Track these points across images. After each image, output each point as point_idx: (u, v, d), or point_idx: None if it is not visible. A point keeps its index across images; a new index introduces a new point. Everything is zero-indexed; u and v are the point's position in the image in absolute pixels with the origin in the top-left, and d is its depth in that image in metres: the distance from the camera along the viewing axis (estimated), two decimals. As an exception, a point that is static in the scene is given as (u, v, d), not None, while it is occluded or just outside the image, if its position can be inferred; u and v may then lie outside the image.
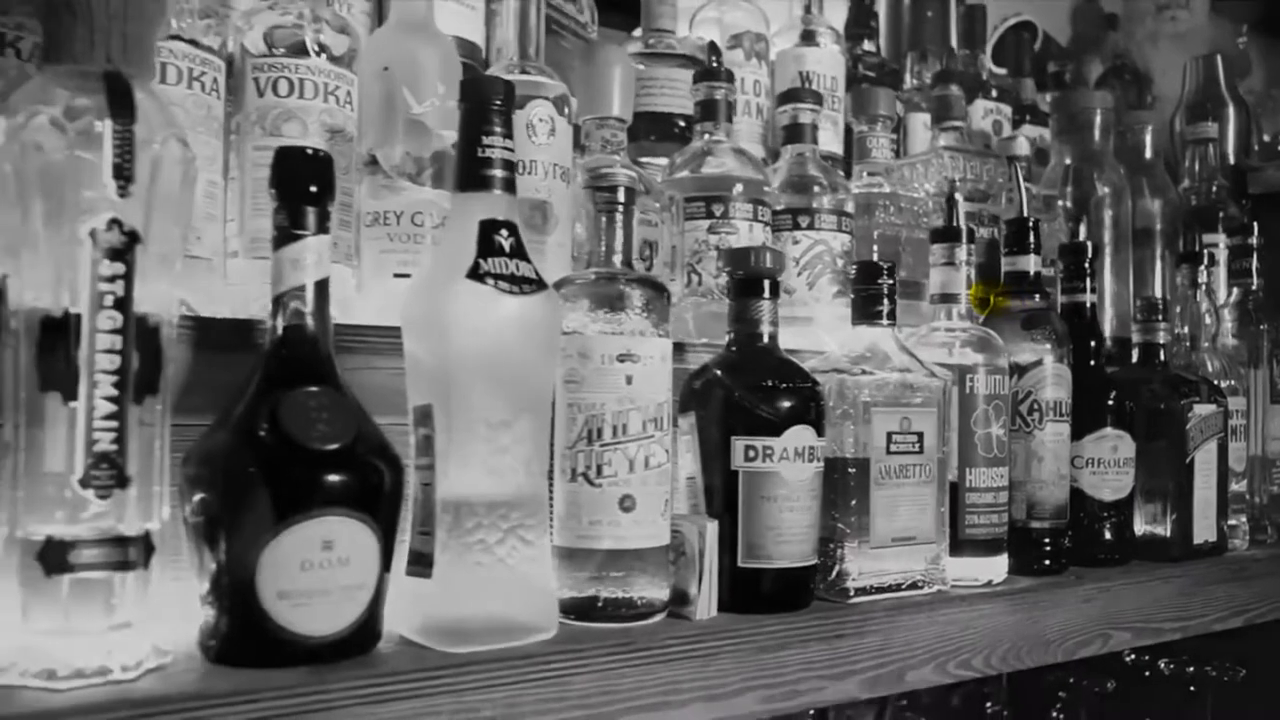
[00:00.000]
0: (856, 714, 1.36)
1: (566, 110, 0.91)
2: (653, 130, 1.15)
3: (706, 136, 1.03)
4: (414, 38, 0.83)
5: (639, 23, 1.18)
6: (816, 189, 1.05)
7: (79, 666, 0.54)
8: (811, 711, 1.22)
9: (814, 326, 1.03)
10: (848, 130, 1.30)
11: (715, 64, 1.05)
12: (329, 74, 0.78)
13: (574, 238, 0.92)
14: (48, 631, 0.54)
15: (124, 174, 0.56)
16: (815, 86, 1.27)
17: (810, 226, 1.04)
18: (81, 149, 0.55)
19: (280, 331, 0.63)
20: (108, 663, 0.55)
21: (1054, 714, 1.44)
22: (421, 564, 0.65)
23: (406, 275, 0.80)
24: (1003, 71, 1.66)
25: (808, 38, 1.32)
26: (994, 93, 1.50)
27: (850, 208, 1.07)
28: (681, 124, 1.15)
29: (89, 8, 0.56)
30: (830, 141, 1.26)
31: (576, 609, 0.71)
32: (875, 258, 1.10)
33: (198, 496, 0.60)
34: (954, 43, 1.59)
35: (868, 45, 1.44)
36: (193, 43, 0.76)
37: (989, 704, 1.52)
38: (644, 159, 1.10)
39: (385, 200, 0.81)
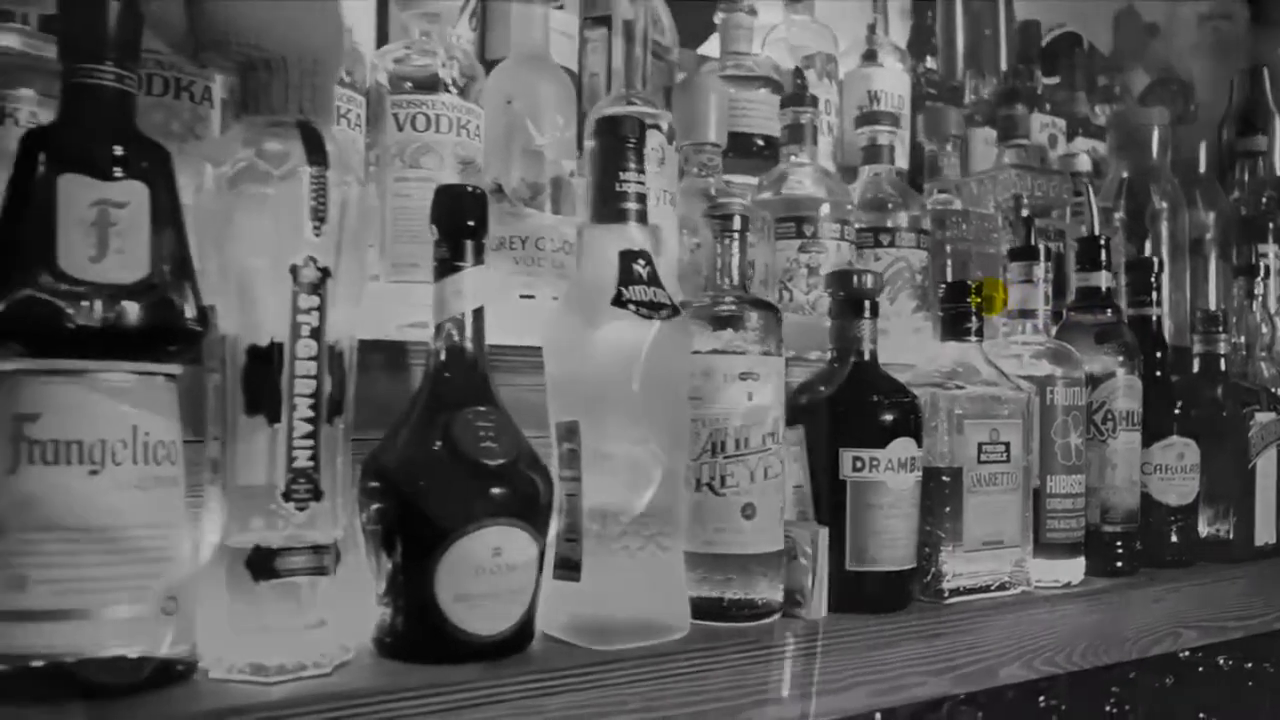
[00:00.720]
0: (919, 710, 1.42)
1: (672, 138, 0.97)
2: (732, 149, 1.21)
3: (792, 159, 1.08)
4: (535, 72, 0.89)
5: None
6: (895, 207, 1.10)
7: (282, 662, 0.60)
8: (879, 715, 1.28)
9: (892, 339, 1.08)
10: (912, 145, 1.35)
11: (801, 87, 1.10)
12: (461, 109, 0.84)
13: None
14: (254, 631, 0.60)
15: (319, 215, 0.61)
16: (884, 105, 1.32)
17: (891, 244, 1.09)
18: (285, 193, 0.61)
19: (443, 355, 0.69)
20: (306, 659, 0.61)
21: (1109, 709, 1.48)
22: (569, 568, 0.71)
23: (531, 296, 0.85)
24: (1051, 81, 1.70)
25: (873, 57, 1.37)
26: (1048, 107, 1.55)
27: (927, 225, 1.12)
28: (760, 142, 1.20)
29: (284, 64, 0.62)
30: (899, 158, 1.31)
31: (703, 609, 0.76)
32: (949, 273, 1.15)
33: (375, 507, 0.65)
34: (1007, 58, 1.63)
35: (930, 63, 1.49)
36: (339, 81, 0.81)
37: (1042, 698, 1.58)
38: (726, 177, 1.15)
39: (510, 226, 0.86)
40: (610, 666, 0.67)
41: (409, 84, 0.84)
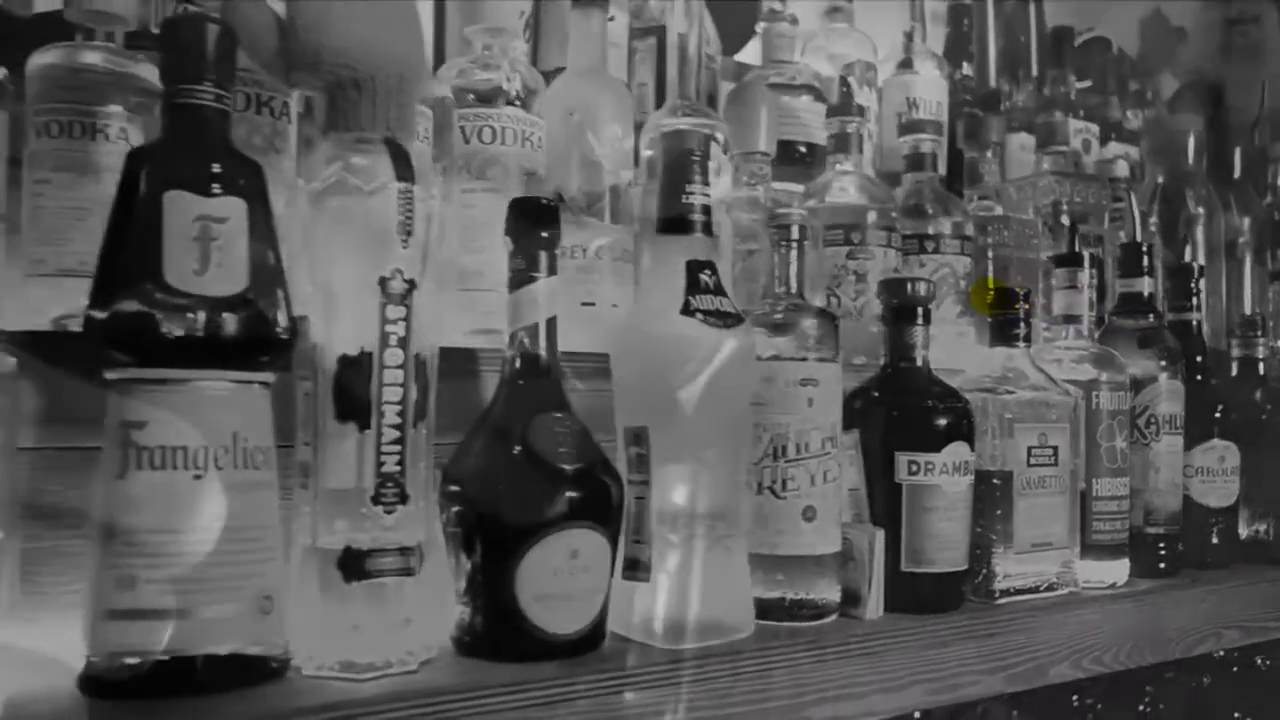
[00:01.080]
0: (955, 709, 1.43)
1: (726, 148, 0.99)
2: (776, 156, 1.22)
3: (838, 167, 1.10)
4: (594, 84, 0.91)
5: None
6: (939, 215, 1.12)
7: (371, 660, 0.62)
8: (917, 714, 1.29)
9: (936, 344, 1.10)
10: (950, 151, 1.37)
11: (848, 96, 1.12)
12: (524, 121, 0.86)
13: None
14: (344, 629, 0.62)
15: (406, 229, 0.64)
16: (922, 111, 1.34)
17: (935, 250, 1.11)
18: (374, 208, 0.63)
19: (517, 363, 0.71)
20: (393, 657, 0.63)
21: (1143, 708, 1.50)
22: (638, 569, 0.73)
23: (591, 304, 0.88)
24: (1082, 85, 1.72)
25: (910, 64, 1.39)
26: (1081, 112, 1.57)
27: (969, 231, 1.14)
28: (803, 149, 1.22)
29: (372, 83, 0.64)
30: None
31: (765, 609, 0.78)
32: (990, 278, 1.17)
33: (455, 510, 0.67)
34: (1039, 64, 1.65)
35: (966, 69, 1.51)
36: (408, 96, 0.84)
37: (1075, 697, 1.59)
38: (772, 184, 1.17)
39: (571, 235, 0.88)
40: (680, 665, 0.69)
41: (472, 96, 0.86)
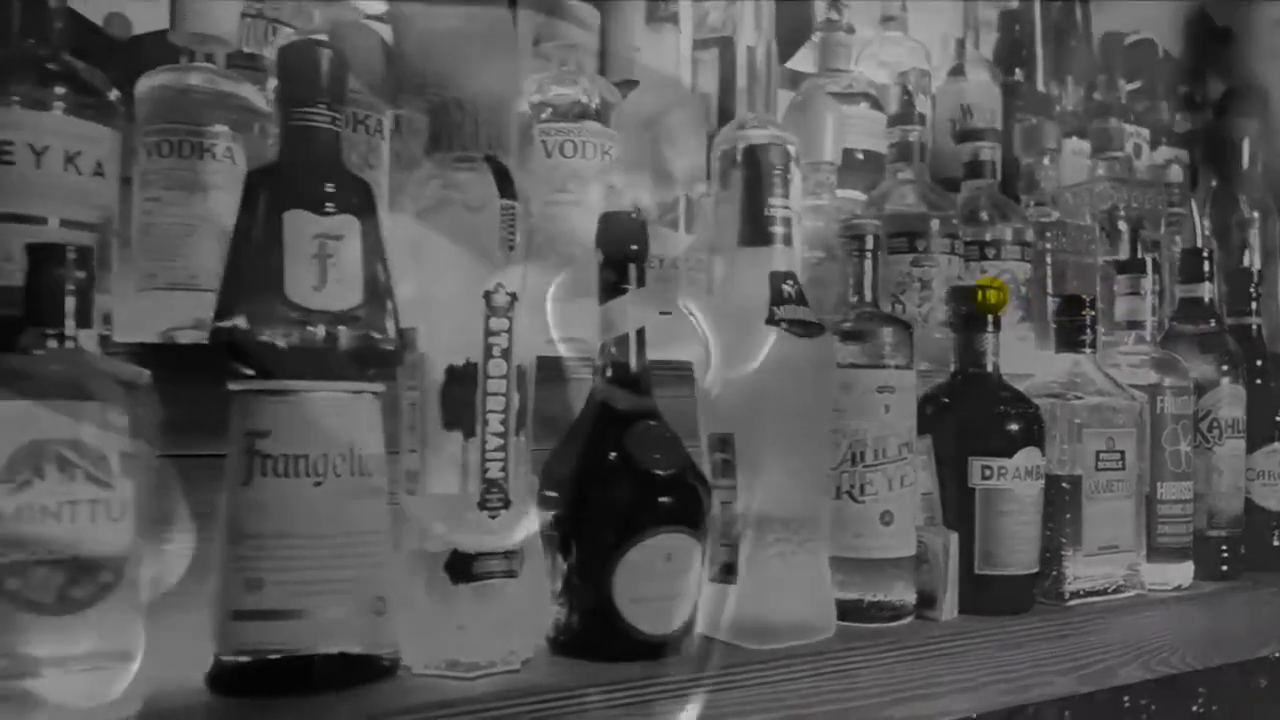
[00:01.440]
0: (1012, 709, 1.44)
1: (797, 159, 1.00)
2: (835, 164, 1.24)
3: (899, 175, 1.12)
4: (669, 97, 0.93)
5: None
6: (1000, 221, 1.13)
7: (477, 659, 0.65)
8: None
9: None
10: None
11: (909, 105, 1.13)
12: (603, 134, 0.88)
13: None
14: (451, 630, 0.65)
15: (509, 244, 0.66)
16: (976, 118, 1.35)
17: (996, 257, 1.12)
18: (479, 224, 0.65)
19: (609, 371, 0.73)
20: (496, 656, 0.66)
21: (1196, 709, 1.50)
22: (726, 572, 0.75)
23: (668, 313, 0.90)
24: (1130, 87, 1.72)
25: (962, 71, 1.40)
26: (1131, 116, 1.57)
27: (1029, 237, 1.15)
28: (860, 156, 1.24)
29: (475, 104, 0.67)
30: (992, 170, 1.34)
31: (844, 610, 0.80)
32: (1048, 284, 1.18)
33: (553, 513, 0.70)
34: (1087, 69, 1.65)
35: (1018, 74, 1.52)
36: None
37: (1126, 697, 1.59)
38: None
39: (647, 246, 0.90)
40: (772, 665, 0.71)
41: (550, 110, 0.89)
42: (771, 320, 0.75)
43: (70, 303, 0.56)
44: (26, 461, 0.52)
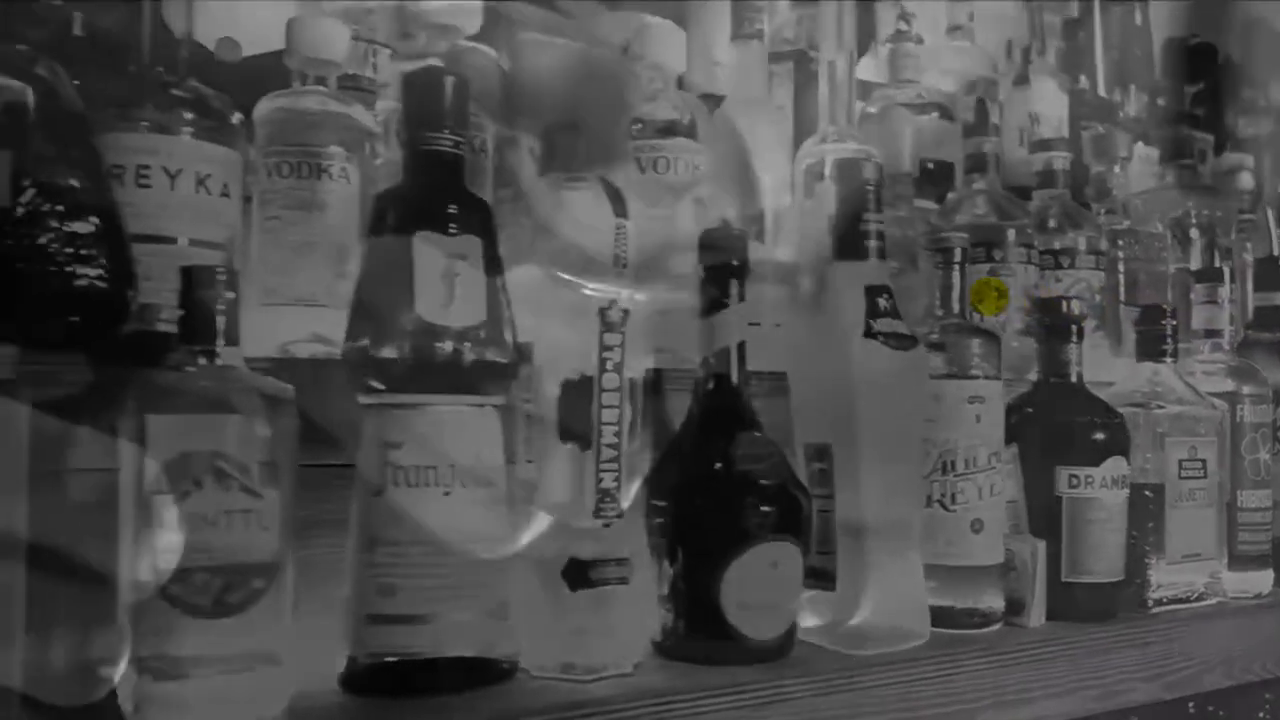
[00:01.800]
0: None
1: (878, 172, 1.02)
2: (905, 173, 1.26)
3: (974, 185, 1.13)
4: (755, 113, 0.95)
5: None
6: (1074, 230, 1.14)
7: (592, 663, 0.67)
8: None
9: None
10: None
11: (984, 116, 1.15)
12: (693, 149, 0.90)
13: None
14: (567, 634, 0.67)
15: (621, 261, 0.69)
16: (1044, 126, 1.36)
17: (1071, 265, 1.13)
18: (594, 243, 0.68)
19: (711, 384, 0.75)
20: (609, 660, 0.68)
21: (1263, 716, 1.50)
22: (824, 579, 0.77)
23: (756, 324, 0.92)
24: (1191, 89, 1.72)
25: (1028, 79, 1.41)
26: (1195, 122, 1.58)
27: (1103, 246, 1.16)
28: (930, 166, 1.25)
29: (588, 126, 0.69)
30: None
31: (935, 617, 0.82)
32: (1121, 292, 1.19)
33: (659, 521, 0.72)
34: (1148, 76, 1.66)
35: (1082, 81, 1.53)
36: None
37: (1191, 705, 1.60)
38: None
39: (735, 258, 0.93)
40: (873, 670, 0.73)
41: (640, 125, 0.91)
42: (869, 334, 0.77)
43: (220, 322, 0.59)
44: (185, 473, 0.55)
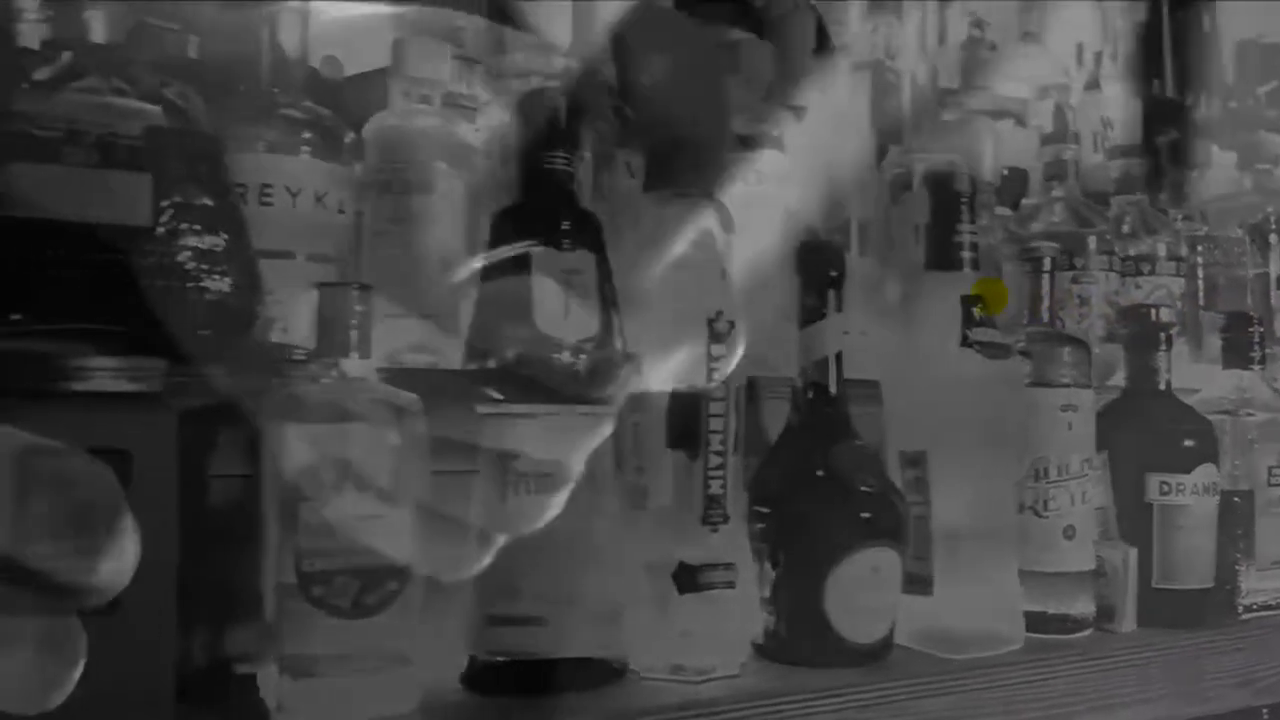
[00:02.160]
0: None
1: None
2: (978, 180, 1.27)
3: (1053, 192, 1.14)
4: (841, 127, 0.97)
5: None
6: (1154, 236, 1.15)
7: (701, 665, 0.69)
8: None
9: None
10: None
11: (1063, 124, 1.15)
12: (780, 161, 0.92)
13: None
14: (677, 636, 0.69)
15: (726, 274, 0.71)
16: (1117, 131, 1.36)
17: (1151, 272, 1.14)
18: (701, 257, 0.70)
19: (810, 393, 0.77)
20: (717, 662, 0.70)
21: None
22: (920, 584, 0.78)
23: (845, 332, 0.93)
24: (1266, 89, 1.70)
25: (1099, 84, 1.41)
26: (1268, 125, 1.56)
27: (1183, 251, 1.16)
28: (1005, 172, 1.26)
29: (695, 143, 0.71)
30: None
31: (1028, 622, 0.83)
32: (1200, 297, 1.19)
33: (762, 526, 0.74)
34: (1222, 77, 1.65)
35: (1154, 85, 1.52)
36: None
37: (1265, 710, 1.59)
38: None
39: (822, 268, 0.94)
40: (972, 673, 0.74)
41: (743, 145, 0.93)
42: (965, 343, 0.78)
43: (354, 335, 0.61)
44: (326, 480, 0.58)
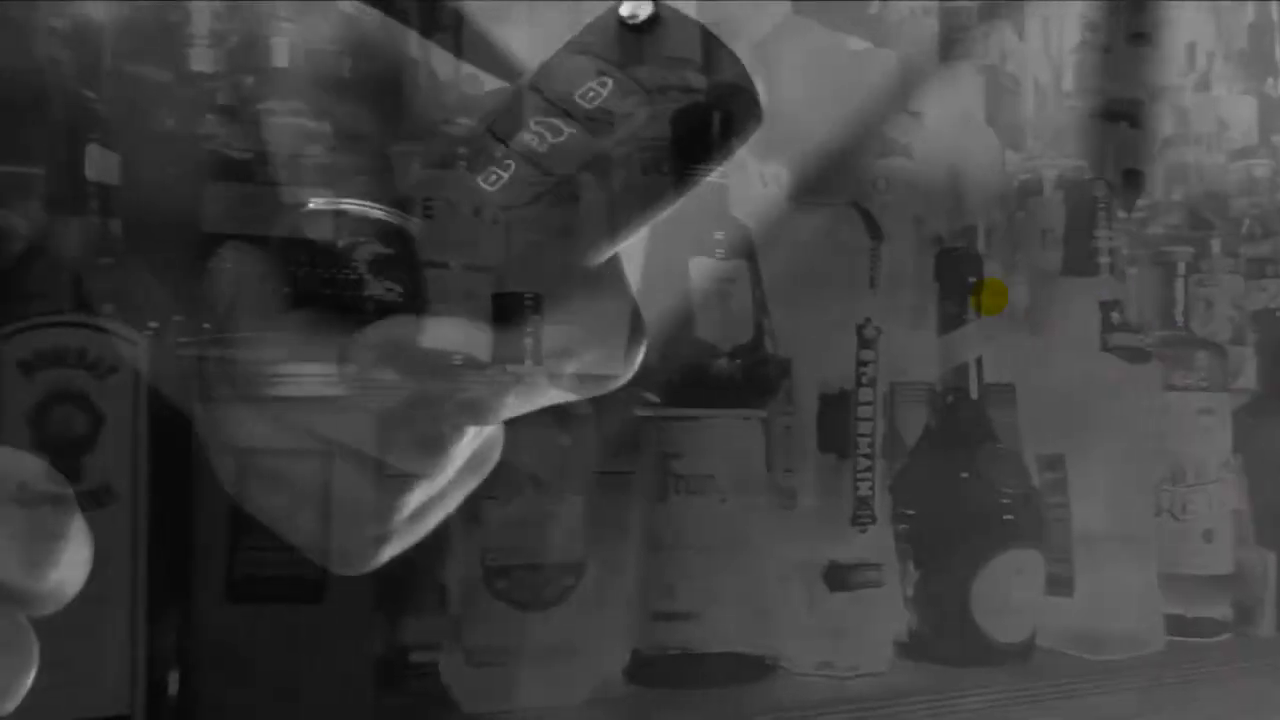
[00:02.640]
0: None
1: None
2: (1092, 183, 1.26)
3: (1172, 194, 1.13)
4: (966, 131, 0.98)
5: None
6: (1274, 238, 1.14)
7: (850, 662, 0.71)
8: None
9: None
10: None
11: (1182, 124, 1.15)
12: (910, 170, 0.94)
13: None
14: (826, 634, 0.71)
15: (875, 282, 0.72)
16: (1233, 132, 1.34)
17: (1275, 274, 1.12)
18: (851, 265, 0.72)
19: (950, 397, 0.78)
20: (864, 659, 0.72)
21: None
22: (1061, 585, 0.79)
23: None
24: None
25: (1211, 84, 1.40)
26: (1387, 121, 1.53)
27: (1310, 253, 1.15)
28: (1121, 175, 1.25)
29: (843, 154, 0.73)
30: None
31: (1167, 625, 0.83)
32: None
33: (906, 528, 0.76)
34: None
35: (1269, 84, 1.50)
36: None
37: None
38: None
39: (949, 273, 0.95)
40: (1116, 675, 0.75)
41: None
42: (1105, 347, 0.79)
43: (529, 343, 0.65)
44: (507, 481, 0.61)
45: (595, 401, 0.71)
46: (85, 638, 0.51)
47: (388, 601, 0.67)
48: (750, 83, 0.74)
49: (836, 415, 0.71)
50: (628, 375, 0.37)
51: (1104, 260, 0.81)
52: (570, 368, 0.40)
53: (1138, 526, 0.80)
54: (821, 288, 0.72)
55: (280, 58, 0.74)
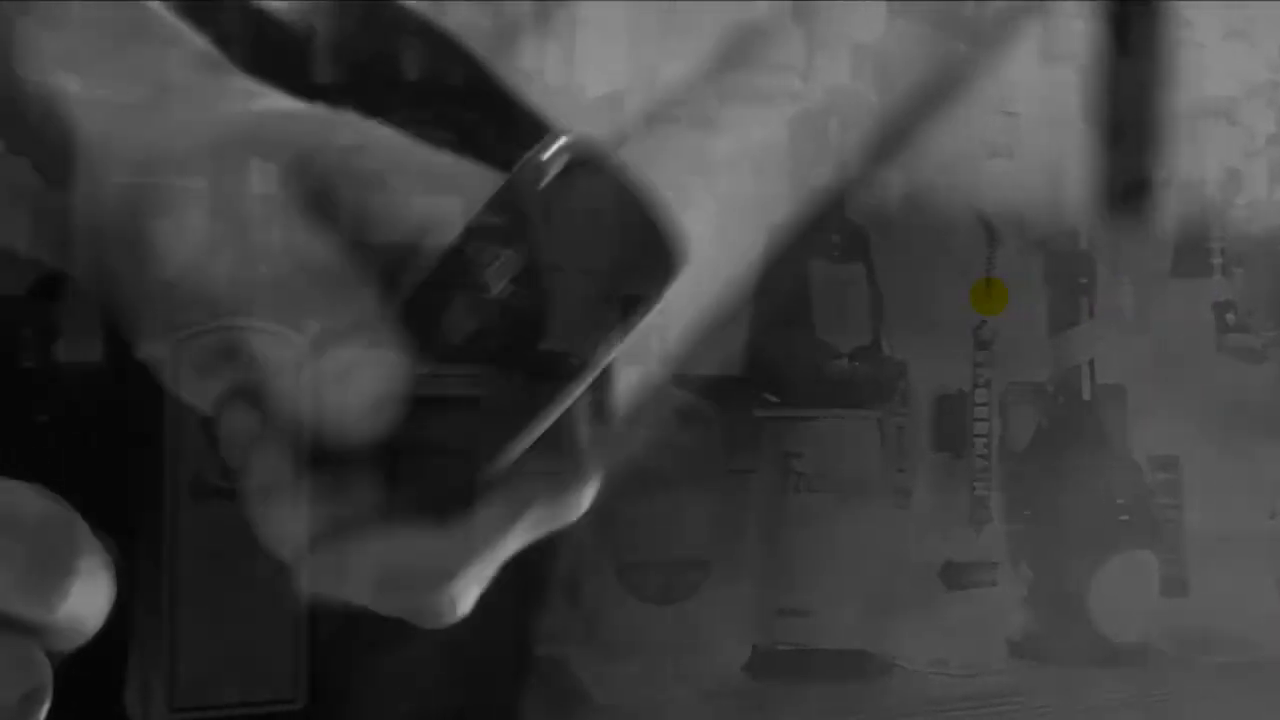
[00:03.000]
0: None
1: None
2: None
3: (1275, 194, 1.12)
4: (1064, 131, 0.98)
5: None
6: (1383, 237, 1.12)
7: (965, 661, 0.72)
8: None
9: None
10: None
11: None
12: (999, 175, 0.94)
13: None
14: (941, 632, 0.72)
15: (989, 284, 0.73)
16: (1332, 128, 1.32)
17: (1383, 274, 1.11)
18: (967, 268, 0.73)
19: (1060, 399, 0.79)
20: (980, 658, 0.73)
21: None
22: (1175, 585, 0.79)
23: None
24: None
25: (1309, 78, 1.38)
26: None
27: None
28: (1220, 173, 1.24)
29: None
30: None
31: None
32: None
33: (1017, 527, 0.76)
34: None
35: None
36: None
37: None
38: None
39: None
40: (1230, 678, 0.75)
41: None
42: (1220, 349, 0.79)
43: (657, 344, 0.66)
44: (637, 480, 0.63)
45: (717, 402, 0.73)
46: (252, 623, 0.53)
47: (522, 598, 0.69)
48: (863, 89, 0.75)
49: (952, 416, 0.72)
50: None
51: (1216, 261, 0.81)
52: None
53: (1254, 528, 0.79)
54: (937, 290, 0.73)
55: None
